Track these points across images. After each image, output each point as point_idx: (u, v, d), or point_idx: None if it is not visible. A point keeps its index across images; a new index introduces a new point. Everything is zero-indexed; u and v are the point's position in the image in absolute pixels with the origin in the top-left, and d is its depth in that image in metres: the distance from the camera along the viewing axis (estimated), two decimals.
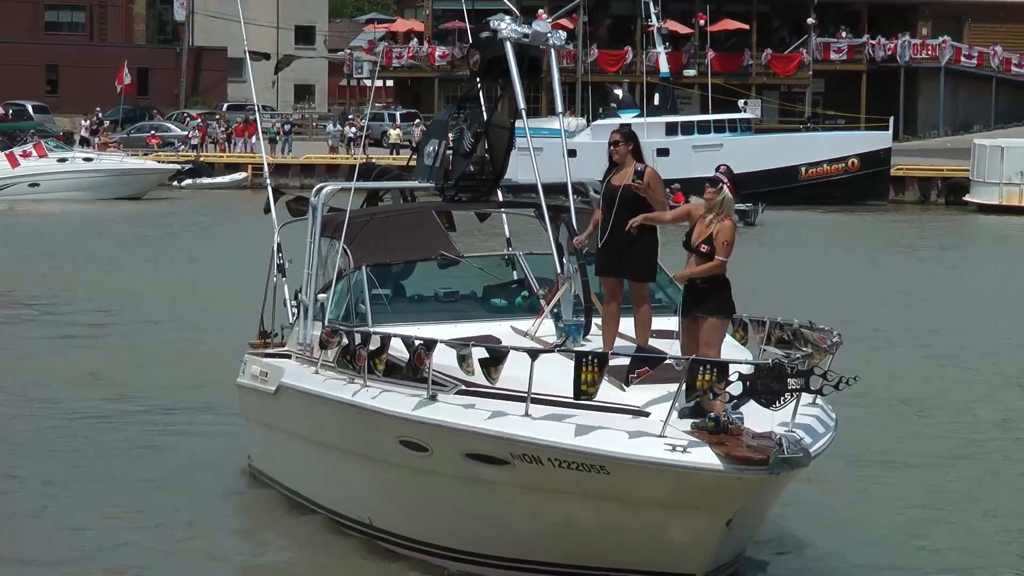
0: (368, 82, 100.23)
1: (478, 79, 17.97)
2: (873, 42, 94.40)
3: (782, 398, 12.99)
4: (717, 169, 14.65)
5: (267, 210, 20.49)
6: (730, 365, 13.14)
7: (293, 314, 19.22)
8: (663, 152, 67.82)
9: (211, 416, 22.90)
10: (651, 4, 78.42)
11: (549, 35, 17.08)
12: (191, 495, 18.78)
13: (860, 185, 72.59)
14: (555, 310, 15.84)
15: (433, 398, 14.69)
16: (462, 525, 14.97)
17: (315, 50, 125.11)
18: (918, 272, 45.42)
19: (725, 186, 14.42)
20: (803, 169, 72.33)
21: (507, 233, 20.23)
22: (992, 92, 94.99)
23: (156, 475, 19.68)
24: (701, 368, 13.07)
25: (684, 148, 69.99)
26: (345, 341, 16.24)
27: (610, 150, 15.24)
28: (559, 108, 18.33)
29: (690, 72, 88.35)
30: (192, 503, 18.44)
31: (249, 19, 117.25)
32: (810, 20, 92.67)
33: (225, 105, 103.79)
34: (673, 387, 13.42)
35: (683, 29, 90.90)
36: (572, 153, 67.08)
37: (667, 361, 13.72)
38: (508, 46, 16.93)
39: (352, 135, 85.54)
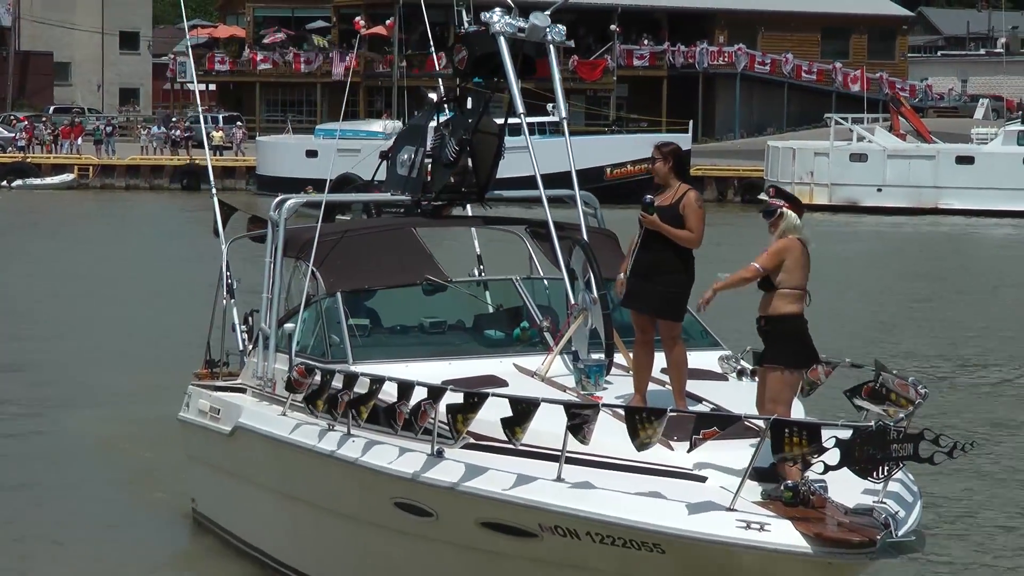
0: (191, 86, 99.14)
1: (462, 79, 15.29)
2: (673, 49, 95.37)
3: (883, 467, 10.22)
4: (768, 195, 11.91)
5: (216, 232, 17.38)
6: (822, 427, 10.24)
7: (243, 340, 16.41)
8: None
9: (149, 450, 19.75)
10: (463, 11, 78.60)
11: (548, 29, 14.51)
12: (128, 542, 16.23)
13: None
14: (568, 347, 13.26)
15: (439, 454, 11.84)
16: None
17: (140, 55, 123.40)
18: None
19: (783, 209, 11.61)
20: (608, 170, 72.64)
21: (477, 250, 17.38)
22: (784, 97, 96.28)
23: (91, 521, 17.01)
24: (787, 430, 10.23)
25: None
26: (320, 381, 13.23)
27: (651, 168, 12.65)
28: (562, 112, 14.91)
29: (478, 79, 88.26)
30: (130, 552, 15.90)
31: (74, 25, 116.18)
32: (614, 28, 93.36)
33: (52, 108, 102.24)
34: (730, 446, 10.84)
35: None
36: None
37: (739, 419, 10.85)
38: (502, 41, 14.36)
39: (176, 137, 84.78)
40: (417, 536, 12.26)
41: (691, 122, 77.28)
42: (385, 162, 16.17)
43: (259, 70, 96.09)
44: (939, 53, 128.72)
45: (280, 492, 14.31)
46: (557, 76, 15.10)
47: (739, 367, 13.17)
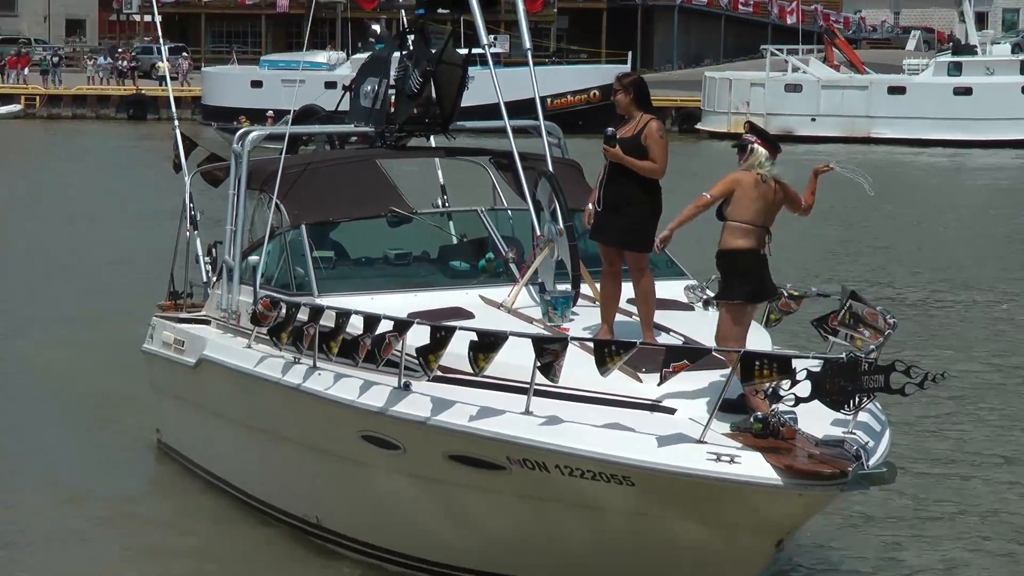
0: (137, 17, 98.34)
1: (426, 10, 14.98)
2: None
3: (855, 399, 9.86)
4: (744, 128, 11.60)
5: (178, 168, 17.01)
6: (793, 360, 9.93)
7: (207, 272, 16.04)
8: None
9: (112, 380, 19.16)
10: None
11: None
12: (91, 472, 15.92)
13: (601, 115, 73.20)
14: (534, 278, 12.97)
15: (406, 387, 11.55)
16: (433, 533, 12.02)
17: None
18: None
19: (754, 145, 11.23)
20: (548, 100, 72.68)
21: (440, 180, 16.95)
22: (721, 29, 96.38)
23: (53, 451, 16.65)
24: (758, 363, 9.94)
25: None
26: (285, 314, 12.92)
27: (613, 99, 12.18)
28: (526, 44, 15.16)
29: (443, 9, 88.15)
30: (94, 481, 15.56)
31: None
32: None
33: None
34: (699, 377, 10.77)
35: None
36: (332, 85, 66.73)
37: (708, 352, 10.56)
38: None
39: (122, 68, 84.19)
40: (384, 468, 12.01)
41: (630, 54, 77.24)
42: (349, 93, 15.73)
43: (204, 2, 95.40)
44: None
45: (246, 424, 14.05)
46: (521, 7, 15.09)
47: (704, 296, 12.91)
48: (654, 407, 10.84)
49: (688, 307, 12.86)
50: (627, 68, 73.13)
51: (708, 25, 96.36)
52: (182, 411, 15.77)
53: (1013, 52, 72.04)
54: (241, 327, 14.24)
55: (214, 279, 15.60)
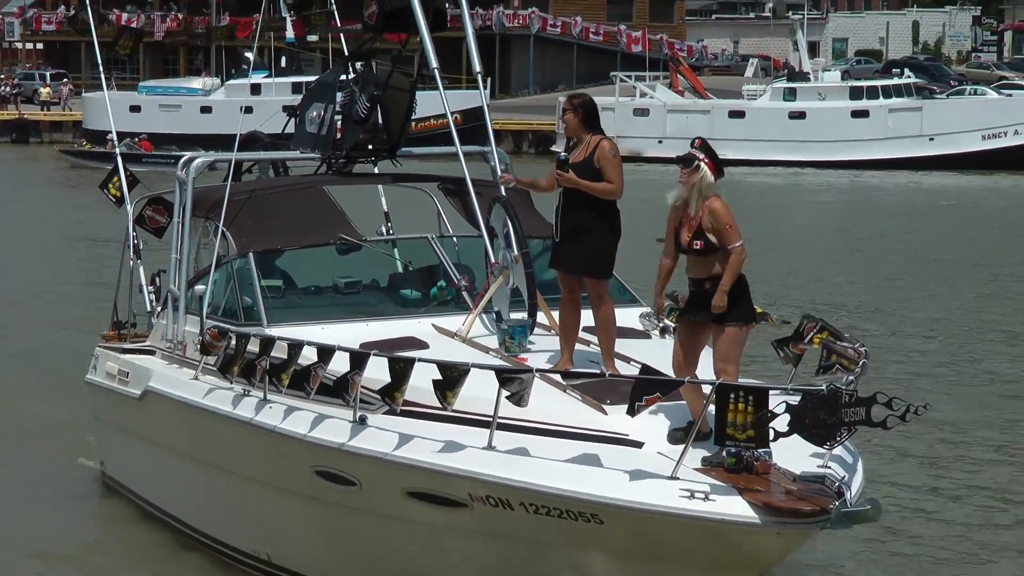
0: (19, 44, 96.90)
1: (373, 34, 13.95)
2: (472, 12, 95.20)
3: (836, 434, 8.86)
4: (692, 145, 10.36)
5: (121, 202, 15.77)
6: (769, 391, 9.06)
7: (151, 301, 14.96)
8: (289, 108, 68.11)
9: (53, 411, 17.99)
10: None
11: None
12: (33, 505, 14.78)
13: (463, 138, 73.14)
14: (489, 307, 12.03)
15: (362, 421, 10.53)
16: (391, 572, 10.95)
17: None
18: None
19: (702, 163, 10.12)
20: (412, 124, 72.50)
21: (384, 207, 15.98)
22: (574, 57, 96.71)
23: None
24: (733, 395, 8.98)
25: None
26: (235, 345, 11.81)
27: (563, 121, 11.19)
28: (476, 67, 14.27)
29: (313, 37, 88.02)
30: (35, 515, 14.47)
31: None
32: None
33: None
34: (664, 408, 9.84)
35: None
36: (207, 110, 65.79)
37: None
38: None
39: (5, 93, 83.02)
40: (339, 505, 10.94)
41: (488, 79, 77.45)
42: (293, 119, 14.79)
43: (84, 30, 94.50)
44: (714, 16, 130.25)
45: (193, 458, 12.94)
46: (470, 30, 13.98)
47: (661, 324, 12.13)
48: (621, 440, 9.81)
49: (644, 335, 12.09)
50: (486, 93, 73.26)
51: (562, 53, 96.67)
52: (127, 443, 14.64)
53: (843, 79, 73.19)
54: (187, 358, 13.25)
55: (158, 308, 14.63)
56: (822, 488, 9.11)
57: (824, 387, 8.95)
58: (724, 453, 9.27)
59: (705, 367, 10.14)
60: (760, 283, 29.36)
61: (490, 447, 9.74)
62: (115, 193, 15.76)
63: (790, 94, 69.01)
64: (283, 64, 75.33)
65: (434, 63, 13.23)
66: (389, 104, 13.66)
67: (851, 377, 9.82)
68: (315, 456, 10.81)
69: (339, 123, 13.86)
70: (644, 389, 9.24)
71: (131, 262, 15.29)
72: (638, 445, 9.76)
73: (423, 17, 13.08)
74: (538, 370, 9.82)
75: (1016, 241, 39.18)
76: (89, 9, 18.28)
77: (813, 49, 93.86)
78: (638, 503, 9.13)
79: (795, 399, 8.93)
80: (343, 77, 14.17)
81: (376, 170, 14.85)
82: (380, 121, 13.71)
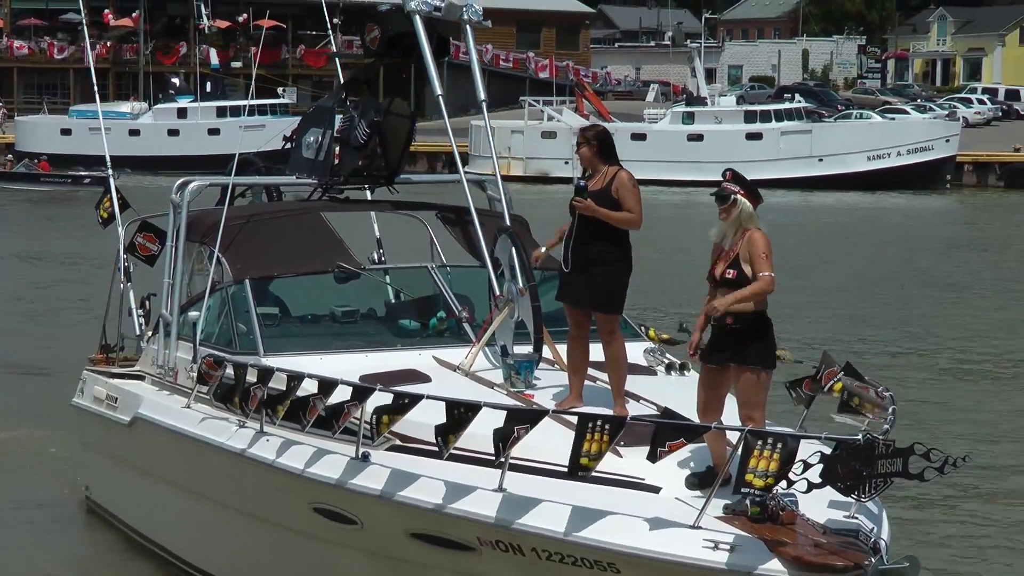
0: None
1: (375, 59, 13.09)
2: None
3: (870, 484, 7.97)
4: (723, 177, 9.34)
5: (109, 221, 14.73)
6: (801, 440, 8.11)
7: (140, 325, 14.03)
8: (214, 131, 69.02)
9: (39, 434, 16.95)
10: (202, 5, 78.36)
11: (465, 8, 12.52)
12: (15, 528, 13.95)
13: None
14: (492, 340, 11.11)
15: (364, 458, 9.57)
16: None
17: None
18: None
19: (738, 196, 9.24)
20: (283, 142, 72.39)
21: (376, 234, 15.00)
22: (485, 82, 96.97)
23: None
24: (761, 442, 8.02)
25: (232, 128, 70.83)
26: (233, 375, 10.84)
27: (578, 154, 10.36)
28: (481, 95, 13.06)
29: (236, 64, 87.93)
30: (18, 539, 13.65)
31: None
32: (336, 20, 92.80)
33: None
34: (680, 451, 8.57)
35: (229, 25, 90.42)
36: (135, 133, 65.31)
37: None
38: (418, 20, 12.29)
39: None
40: (338, 544, 10.00)
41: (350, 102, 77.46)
42: (289, 144, 13.87)
43: (17, 56, 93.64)
44: (616, 45, 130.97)
45: (185, 488, 11.95)
46: (475, 56, 13.14)
47: (666, 360, 11.37)
48: (636, 484, 8.95)
49: (650, 371, 11.21)
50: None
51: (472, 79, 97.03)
52: (114, 469, 13.60)
53: (738, 103, 73.78)
54: (179, 384, 12.30)
55: (148, 333, 13.64)
56: (855, 542, 8.17)
57: (860, 436, 8.06)
58: (748, 501, 8.33)
59: (730, 411, 9.33)
60: (665, 295, 29.81)
61: (500, 489, 8.82)
62: (103, 215, 14.79)
63: (688, 118, 69.43)
64: (208, 89, 75.31)
65: (439, 90, 12.43)
66: (388, 131, 12.82)
67: (886, 426, 9.01)
68: (314, 492, 9.89)
69: (336, 149, 12.97)
70: (667, 434, 8.31)
71: (121, 285, 14.28)
72: (655, 490, 8.92)
73: (427, 43, 12.31)
74: (553, 411, 9.00)
75: (893, 256, 39.75)
76: None
77: (710, 75, 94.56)
78: (660, 553, 8.21)
79: (827, 448, 8.02)
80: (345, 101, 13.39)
81: (369, 196, 13.88)
82: (379, 148, 12.84)
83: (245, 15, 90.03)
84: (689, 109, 70.25)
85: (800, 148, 67.25)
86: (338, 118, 13.05)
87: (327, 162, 13.01)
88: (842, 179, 65.73)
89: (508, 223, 12.09)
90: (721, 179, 9.34)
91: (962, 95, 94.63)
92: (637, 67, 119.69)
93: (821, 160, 66.95)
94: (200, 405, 11.55)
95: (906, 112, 77.23)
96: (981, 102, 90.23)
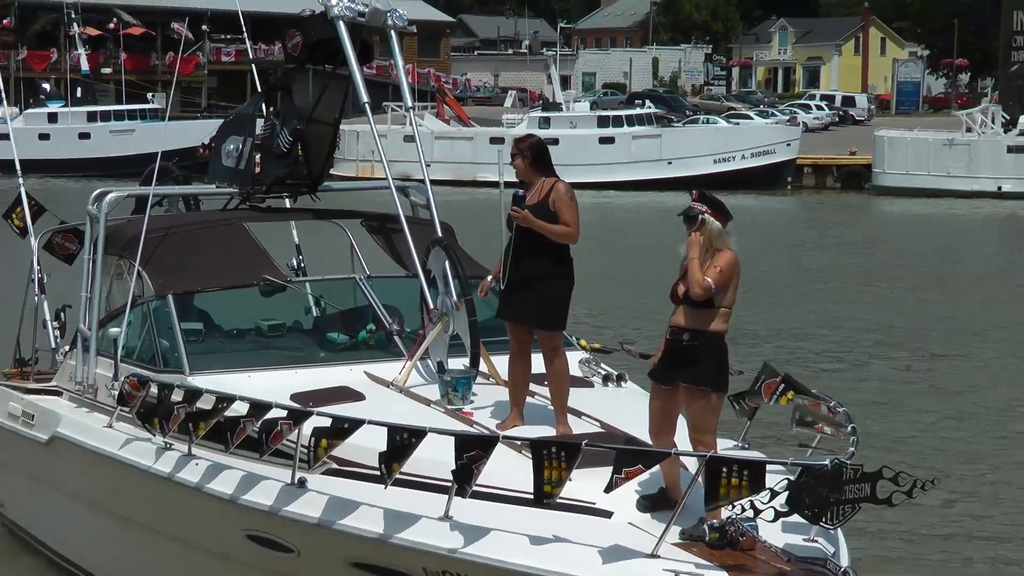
0: None
1: (296, 66, 12.08)
2: (255, 47, 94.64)
3: (836, 511, 7.28)
4: (692, 198, 8.53)
5: (24, 232, 13.57)
6: (766, 465, 7.44)
7: (56, 338, 13.00)
8: (84, 136, 68.80)
9: None
10: (72, 12, 77.65)
11: (389, 14, 11.83)
12: None
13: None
14: (425, 355, 10.35)
15: (301, 484, 8.69)
16: None
17: None
18: None
19: (706, 216, 8.41)
20: (200, 149, 71.66)
21: (295, 239, 14.01)
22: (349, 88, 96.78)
23: None
24: (726, 469, 7.33)
25: (103, 132, 70.26)
26: (157, 396, 9.79)
27: (513, 166, 9.65)
28: (407, 101, 12.71)
29: (107, 70, 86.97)
30: None
31: None
32: (204, 28, 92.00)
33: None
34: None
35: (99, 33, 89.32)
36: (5, 137, 64.33)
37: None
38: (342, 26, 11.51)
39: None
40: (275, 572, 9.09)
41: (272, 109, 76.96)
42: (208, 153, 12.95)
43: None
44: (476, 52, 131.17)
45: (109, 511, 10.96)
46: (400, 62, 12.57)
47: (603, 371, 10.77)
48: (586, 508, 8.18)
49: (587, 383, 10.51)
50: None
51: (376, 91, 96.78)
52: (30, 487, 12.54)
53: (591, 109, 74.29)
54: (98, 402, 11.34)
55: (64, 347, 12.69)
56: (823, 571, 7.53)
57: (827, 461, 7.37)
58: (705, 527, 7.70)
59: (680, 431, 8.70)
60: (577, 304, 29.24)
61: (447, 517, 8.00)
62: (19, 224, 13.72)
63: (545, 122, 69.70)
64: (79, 94, 74.37)
65: (364, 97, 11.57)
66: (311, 138, 11.98)
67: (851, 448, 8.20)
68: (247, 520, 8.98)
69: (258, 157, 12.17)
70: (626, 461, 7.52)
71: (35, 297, 13.17)
72: (607, 515, 8.16)
73: (351, 49, 11.51)
74: (505, 436, 8.13)
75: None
76: None
77: (565, 82, 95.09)
78: None
79: (793, 474, 7.41)
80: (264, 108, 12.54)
81: (288, 204, 13.01)
82: (301, 155, 11.99)
83: (116, 22, 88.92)
84: (545, 114, 70.60)
85: (650, 152, 67.94)
86: (259, 125, 12.28)
87: (248, 171, 12.21)
88: (689, 181, 66.51)
89: (439, 231, 11.44)
90: (690, 200, 8.56)
91: (802, 101, 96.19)
92: (496, 74, 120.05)
93: (670, 163, 67.66)
94: (123, 424, 10.63)
95: (750, 118, 78.31)
96: (819, 108, 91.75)
